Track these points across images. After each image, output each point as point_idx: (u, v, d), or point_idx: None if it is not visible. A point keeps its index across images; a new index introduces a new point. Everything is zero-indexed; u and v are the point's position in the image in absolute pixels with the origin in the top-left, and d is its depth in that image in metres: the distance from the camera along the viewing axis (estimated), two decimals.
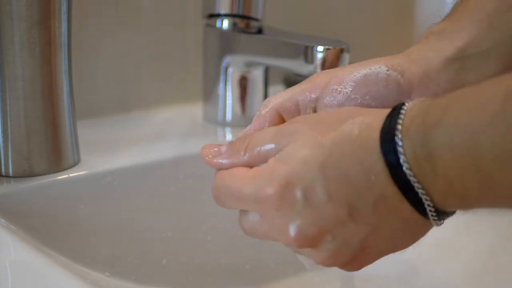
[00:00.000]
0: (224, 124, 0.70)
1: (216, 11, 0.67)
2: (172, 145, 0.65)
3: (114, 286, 0.58)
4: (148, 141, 0.66)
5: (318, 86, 0.45)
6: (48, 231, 0.55)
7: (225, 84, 0.68)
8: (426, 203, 0.37)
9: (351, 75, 0.45)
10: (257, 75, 0.69)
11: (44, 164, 0.56)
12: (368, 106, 0.44)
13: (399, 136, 0.36)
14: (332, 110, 0.43)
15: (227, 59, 0.68)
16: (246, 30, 0.67)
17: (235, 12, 0.67)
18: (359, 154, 0.38)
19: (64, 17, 0.55)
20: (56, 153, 0.57)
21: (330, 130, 0.39)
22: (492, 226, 0.69)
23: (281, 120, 0.45)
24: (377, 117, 0.38)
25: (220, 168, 0.43)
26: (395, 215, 0.38)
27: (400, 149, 0.36)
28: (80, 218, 0.58)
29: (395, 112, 0.38)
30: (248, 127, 0.46)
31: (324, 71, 0.47)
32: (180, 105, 0.76)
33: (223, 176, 0.42)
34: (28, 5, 0.53)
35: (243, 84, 0.68)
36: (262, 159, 0.41)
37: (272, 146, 0.41)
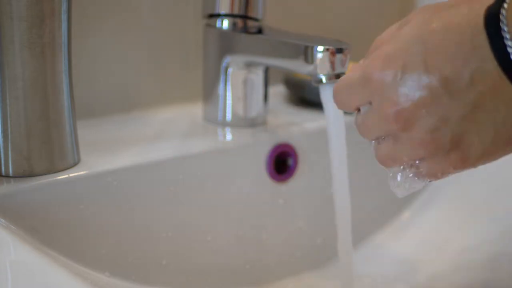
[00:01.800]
0: (224, 124, 0.70)
1: (216, 11, 0.67)
2: (172, 145, 0.65)
3: (114, 286, 0.58)
4: (148, 141, 0.66)
5: None
6: (48, 231, 0.55)
7: (225, 84, 0.68)
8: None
9: None
10: (257, 75, 0.69)
11: (44, 164, 0.56)
12: None
13: (505, 7, 0.37)
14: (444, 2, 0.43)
15: (227, 59, 0.68)
16: (246, 30, 0.67)
17: (235, 12, 0.67)
18: (462, 26, 0.38)
19: (64, 17, 0.55)
20: (56, 153, 0.57)
21: (439, 10, 0.40)
22: (493, 226, 0.69)
23: None
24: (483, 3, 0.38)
25: None
26: (494, 95, 0.38)
27: (503, 21, 0.37)
28: (80, 218, 0.58)
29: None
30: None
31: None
32: (180, 105, 0.76)
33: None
34: (28, 5, 0.53)
35: (243, 84, 0.68)
36: None
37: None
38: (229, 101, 0.69)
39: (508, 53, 0.37)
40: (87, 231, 0.58)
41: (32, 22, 0.53)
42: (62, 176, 0.57)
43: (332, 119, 0.59)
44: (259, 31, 0.67)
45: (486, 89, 0.38)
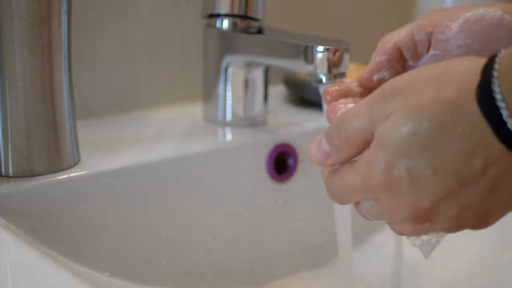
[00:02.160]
0: (224, 124, 0.70)
1: (216, 11, 0.67)
2: (172, 145, 0.65)
3: (114, 286, 0.58)
4: (148, 141, 0.66)
5: (432, 22, 0.46)
6: (48, 231, 0.55)
7: (225, 84, 0.68)
8: None
9: (464, 13, 0.45)
10: (257, 75, 0.69)
11: (44, 164, 0.56)
12: (473, 48, 0.44)
13: (497, 90, 0.36)
14: (424, 69, 0.41)
15: (227, 59, 0.68)
16: (246, 30, 0.67)
17: (235, 12, 0.67)
18: (458, 119, 0.37)
19: (64, 17, 0.55)
20: (56, 153, 0.57)
21: (425, 100, 0.38)
22: (493, 225, 0.69)
23: (400, 56, 0.46)
24: (471, 76, 0.37)
25: (331, 167, 0.43)
26: (508, 172, 0.38)
27: (500, 104, 0.36)
28: (80, 218, 0.58)
29: (489, 65, 0.37)
30: (367, 67, 0.46)
31: (441, 8, 0.47)
32: (180, 105, 0.76)
33: (332, 180, 0.43)
34: (28, 5, 0.53)
35: (243, 84, 0.68)
36: (363, 144, 0.41)
37: (367, 130, 0.40)
38: (229, 101, 0.69)
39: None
40: (87, 231, 0.58)
41: (32, 22, 0.53)
42: (62, 176, 0.57)
43: None
44: (259, 31, 0.67)
45: (499, 172, 0.38)
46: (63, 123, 0.57)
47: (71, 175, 0.57)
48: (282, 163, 0.69)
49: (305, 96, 0.77)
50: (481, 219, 0.40)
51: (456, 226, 0.40)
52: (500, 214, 0.41)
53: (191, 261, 0.64)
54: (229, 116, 0.69)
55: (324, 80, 0.60)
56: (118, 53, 0.72)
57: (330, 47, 0.60)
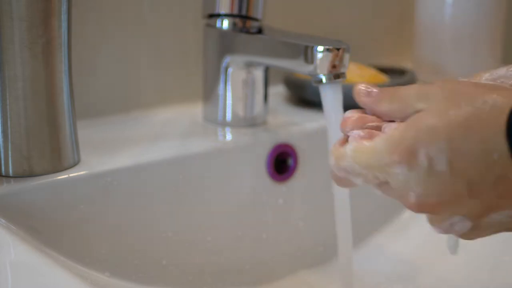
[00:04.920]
0: (224, 124, 0.70)
1: (216, 11, 0.67)
2: (172, 145, 0.65)
3: (114, 286, 0.58)
4: (148, 141, 0.66)
5: None
6: (48, 231, 0.56)
7: (225, 84, 0.68)
8: None
9: None
10: (257, 75, 0.69)
11: (44, 164, 0.56)
12: None
13: None
14: (472, 82, 0.43)
15: (227, 59, 0.68)
16: (246, 30, 0.67)
17: (235, 12, 0.67)
18: (485, 133, 0.38)
19: (64, 17, 0.55)
20: (56, 153, 0.57)
21: (462, 104, 0.39)
22: None
23: None
24: (510, 99, 0.39)
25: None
26: None
27: None
28: (80, 218, 0.58)
29: None
30: None
31: None
32: (180, 105, 0.76)
33: (357, 147, 0.43)
34: (28, 5, 0.53)
35: (243, 84, 0.68)
36: (399, 113, 0.42)
37: (409, 104, 0.42)
38: (229, 101, 0.69)
39: None
40: (87, 231, 0.58)
41: (32, 22, 0.53)
42: (62, 176, 0.57)
43: (332, 119, 0.59)
44: (259, 31, 0.67)
45: (507, 193, 0.39)
46: (63, 123, 0.57)
47: (71, 175, 0.57)
48: (282, 163, 0.69)
49: (305, 96, 0.77)
50: (474, 230, 0.42)
51: (449, 231, 0.42)
52: (492, 231, 0.42)
53: (191, 261, 0.64)
54: (229, 116, 0.69)
55: (324, 80, 0.59)
56: (118, 53, 0.72)
57: (330, 47, 0.60)
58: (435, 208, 0.41)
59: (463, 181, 0.39)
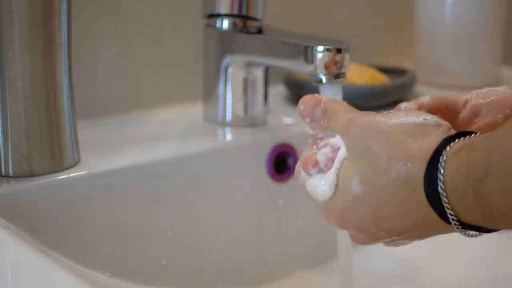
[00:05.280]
0: (224, 124, 0.70)
1: (216, 11, 0.67)
2: (172, 145, 0.65)
3: (114, 286, 0.58)
4: (148, 141, 0.66)
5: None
6: (48, 231, 0.55)
7: (225, 84, 0.68)
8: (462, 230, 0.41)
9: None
10: (257, 75, 0.69)
11: (44, 164, 0.56)
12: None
13: (445, 194, 0.39)
14: (387, 136, 0.44)
15: (227, 59, 0.68)
16: (246, 30, 0.67)
17: (235, 12, 0.67)
18: (408, 202, 0.41)
19: (64, 17, 0.55)
20: (56, 153, 0.57)
21: (381, 173, 0.42)
22: None
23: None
24: (422, 163, 0.41)
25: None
26: (435, 231, 0.43)
27: (447, 205, 0.39)
28: (80, 218, 0.58)
29: (435, 161, 0.40)
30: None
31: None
32: (180, 105, 0.76)
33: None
34: (28, 5, 0.53)
35: (243, 84, 0.68)
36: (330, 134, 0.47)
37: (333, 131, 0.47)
38: (229, 101, 0.69)
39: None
40: (87, 231, 0.58)
41: (32, 22, 0.53)
42: (62, 176, 0.57)
43: None
44: (259, 31, 0.67)
45: (426, 231, 0.43)
46: (63, 123, 0.57)
47: (71, 175, 0.57)
48: (282, 163, 0.69)
49: None
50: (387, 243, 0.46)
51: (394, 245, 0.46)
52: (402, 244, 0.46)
53: (191, 261, 0.64)
54: (229, 116, 0.69)
55: (324, 80, 0.59)
56: (118, 53, 0.72)
57: (330, 47, 0.60)
58: (369, 243, 0.46)
59: (395, 234, 0.44)
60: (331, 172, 0.45)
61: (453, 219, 0.39)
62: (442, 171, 0.39)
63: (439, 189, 0.39)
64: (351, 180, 0.44)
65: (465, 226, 0.40)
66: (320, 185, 0.46)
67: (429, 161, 0.40)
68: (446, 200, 0.39)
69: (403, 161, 0.41)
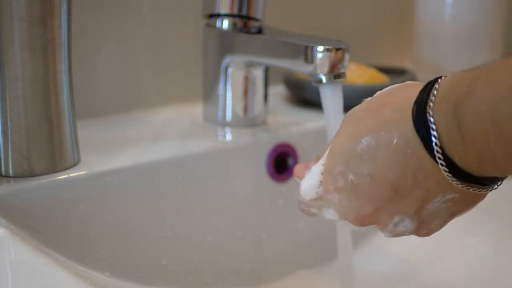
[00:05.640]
0: (224, 124, 0.70)
1: (216, 11, 0.67)
2: (172, 145, 0.65)
3: (114, 286, 0.58)
4: (148, 141, 0.66)
5: None
6: (48, 231, 0.55)
7: (225, 84, 0.68)
8: (453, 179, 0.39)
9: None
10: (257, 75, 0.69)
11: (44, 164, 0.56)
12: None
13: (431, 112, 0.38)
14: (382, 93, 0.45)
15: (227, 59, 0.68)
16: (246, 30, 0.67)
17: (235, 12, 0.67)
18: (395, 134, 0.40)
19: (64, 17, 0.55)
20: (56, 153, 0.57)
21: (370, 116, 0.42)
22: (493, 226, 0.69)
23: None
24: (412, 95, 0.40)
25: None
26: (439, 186, 0.41)
27: (432, 125, 0.38)
28: (80, 218, 0.58)
29: (428, 88, 0.39)
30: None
31: None
32: (180, 105, 0.76)
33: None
34: (28, 5, 0.53)
35: (243, 84, 0.68)
36: None
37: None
38: (229, 101, 0.69)
39: (440, 151, 0.39)
40: (87, 231, 0.58)
41: (32, 22, 0.53)
42: (62, 176, 0.57)
43: (332, 119, 0.59)
44: (259, 31, 0.67)
45: (430, 184, 0.41)
46: (63, 123, 0.57)
47: (71, 175, 0.57)
48: (282, 163, 0.69)
49: (305, 96, 0.77)
50: (420, 227, 0.44)
51: (397, 234, 0.44)
52: (439, 224, 0.44)
53: (191, 261, 0.64)
54: (229, 116, 0.69)
55: (324, 80, 0.59)
56: (118, 53, 0.72)
57: (330, 47, 0.60)
58: (373, 216, 0.44)
59: (387, 185, 0.41)
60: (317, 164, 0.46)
61: (436, 148, 0.38)
62: (432, 98, 0.38)
63: (428, 109, 0.38)
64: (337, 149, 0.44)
65: (458, 173, 0.39)
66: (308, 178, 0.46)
67: (419, 92, 0.40)
68: (432, 120, 0.38)
69: (389, 108, 0.41)
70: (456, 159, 0.38)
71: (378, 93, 0.45)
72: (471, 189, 0.40)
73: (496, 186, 0.41)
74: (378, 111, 0.42)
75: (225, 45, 0.67)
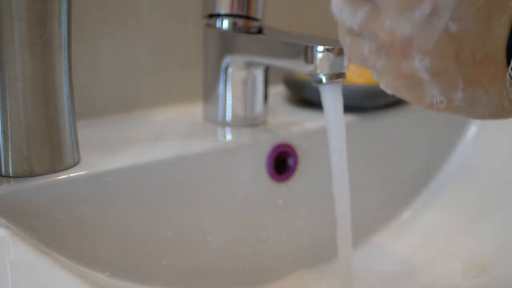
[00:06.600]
0: (224, 124, 0.70)
1: (216, 11, 0.67)
2: (172, 145, 0.65)
3: (114, 286, 0.58)
4: (148, 141, 0.66)
5: None
6: (48, 231, 0.56)
7: (225, 84, 0.68)
8: None
9: None
10: (257, 75, 0.69)
11: (44, 164, 0.56)
12: None
13: None
14: None
15: (227, 59, 0.68)
16: (246, 30, 0.67)
17: (235, 12, 0.67)
18: (494, 13, 0.37)
19: (64, 17, 0.55)
20: (56, 153, 0.57)
21: None
22: (493, 225, 0.69)
23: None
24: None
25: None
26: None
27: None
28: (80, 218, 0.58)
29: None
30: None
31: None
32: (180, 105, 0.76)
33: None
34: (28, 5, 0.53)
35: (243, 84, 0.68)
36: None
37: None
38: (229, 101, 0.69)
39: None
40: (87, 231, 0.58)
41: (32, 22, 0.53)
42: (62, 176, 0.57)
43: (332, 119, 0.59)
44: (259, 31, 0.67)
45: (488, 72, 0.38)
46: (63, 123, 0.57)
47: (71, 175, 0.57)
48: (282, 163, 0.69)
49: (305, 96, 0.77)
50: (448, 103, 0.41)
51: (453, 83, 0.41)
52: (476, 110, 0.41)
53: (191, 261, 0.64)
54: (229, 116, 0.69)
55: (324, 80, 0.60)
56: (118, 53, 0.72)
57: (330, 47, 0.60)
58: (425, 54, 0.40)
59: (455, 43, 0.38)
60: None
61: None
62: None
63: None
64: None
65: None
66: None
67: None
68: None
69: None
70: None
71: None
72: None
73: None
74: None
75: (225, 45, 0.67)
